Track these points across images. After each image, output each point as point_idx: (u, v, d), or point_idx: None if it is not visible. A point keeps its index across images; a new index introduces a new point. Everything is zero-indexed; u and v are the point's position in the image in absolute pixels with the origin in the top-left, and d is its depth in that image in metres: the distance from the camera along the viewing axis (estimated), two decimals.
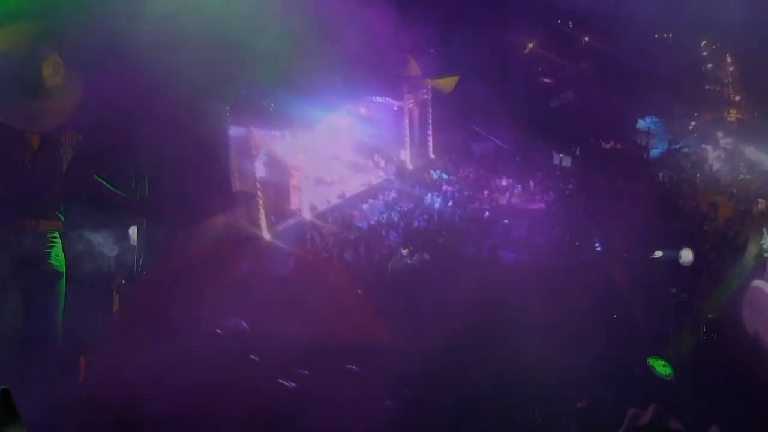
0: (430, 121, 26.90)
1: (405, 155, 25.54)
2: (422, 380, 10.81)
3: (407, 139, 25.49)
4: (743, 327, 13.60)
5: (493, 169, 26.95)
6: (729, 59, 56.28)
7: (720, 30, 50.71)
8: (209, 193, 17.31)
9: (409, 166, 25.26)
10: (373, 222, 19.79)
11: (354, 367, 11.28)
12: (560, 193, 24.24)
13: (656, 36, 60.09)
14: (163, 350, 10.74)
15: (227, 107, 18.34)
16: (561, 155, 29.05)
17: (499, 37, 45.92)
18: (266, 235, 17.99)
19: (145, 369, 8.61)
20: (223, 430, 8.85)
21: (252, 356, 11.53)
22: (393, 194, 22.37)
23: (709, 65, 55.01)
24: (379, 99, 24.34)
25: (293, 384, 10.52)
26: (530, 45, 51.73)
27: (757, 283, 14.45)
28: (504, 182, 25.15)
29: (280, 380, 10.55)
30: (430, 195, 22.46)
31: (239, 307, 13.92)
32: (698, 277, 16.91)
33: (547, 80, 47.60)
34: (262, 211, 17.95)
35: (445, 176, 24.72)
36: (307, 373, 10.96)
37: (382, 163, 24.98)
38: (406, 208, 21.04)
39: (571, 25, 57.33)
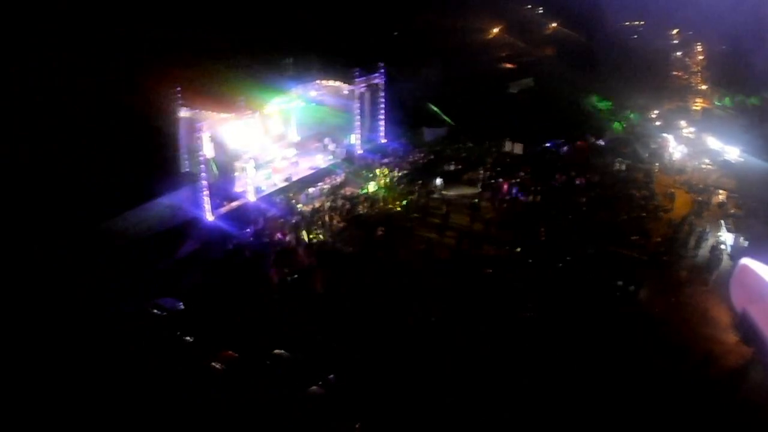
0: (383, 106, 27.39)
1: (355, 139, 26.50)
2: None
3: (358, 124, 26.33)
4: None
5: (444, 155, 27.63)
6: (699, 48, 58.46)
7: (691, 19, 52.73)
8: (157, 175, 18.78)
9: (359, 151, 26.32)
10: (316, 206, 21.27)
11: (282, 352, 12.98)
12: (510, 181, 24.87)
13: (626, 23, 62.29)
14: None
15: (177, 89, 19.57)
16: (513, 142, 29.86)
17: (460, 20, 47.23)
18: (210, 217, 19.35)
19: None
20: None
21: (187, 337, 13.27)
22: (340, 179, 23.63)
23: (678, 53, 58.43)
24: (330, 83, 25.23)
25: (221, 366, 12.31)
26: (494, 30, 53.12)
27: (746, 261, 16.00)
28: (453, 168, 26.06)
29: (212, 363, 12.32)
30: (374, 183, 23.56)
31: (178, 288, 15.43)
32: (645, 269, 18.27)
33: (508, 66, 48.76)
34: (207, 192, 19.25)
35: (392, 162, 25.68)
36: (237, 356, 12.72)
37: (331, 147, 25.84)
38: (350, 193, 22.48)
39: (539, 11, 59.16)
